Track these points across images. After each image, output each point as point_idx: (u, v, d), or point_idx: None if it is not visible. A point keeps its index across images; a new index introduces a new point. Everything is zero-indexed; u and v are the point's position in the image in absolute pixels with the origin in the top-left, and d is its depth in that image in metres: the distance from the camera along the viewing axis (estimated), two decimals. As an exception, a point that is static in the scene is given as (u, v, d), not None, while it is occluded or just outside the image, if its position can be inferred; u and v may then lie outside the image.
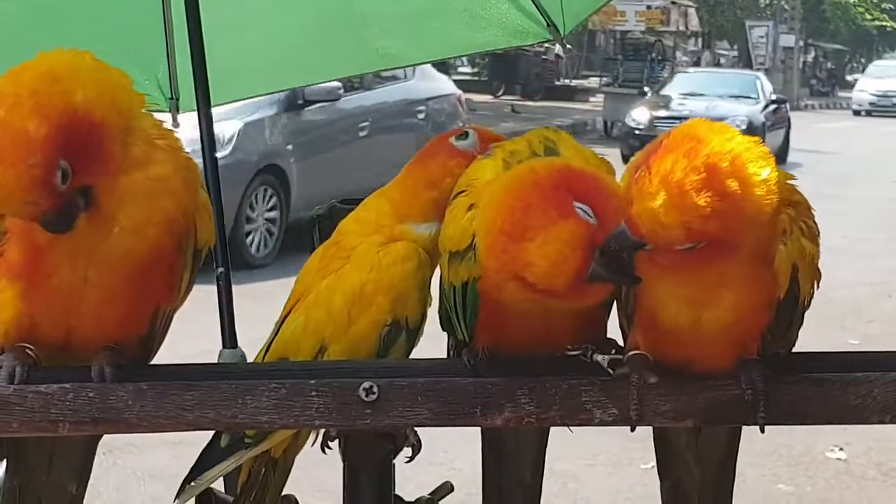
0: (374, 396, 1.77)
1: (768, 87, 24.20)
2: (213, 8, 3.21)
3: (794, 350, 1.89)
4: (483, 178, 1.86)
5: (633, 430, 1.79)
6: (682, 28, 33.93)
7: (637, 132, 19.02)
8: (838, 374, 1.81)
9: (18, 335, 1.82)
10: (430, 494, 2.36)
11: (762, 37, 42.87)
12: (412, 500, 2.30)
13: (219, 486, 2.29)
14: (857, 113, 38.75)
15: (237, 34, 3.41)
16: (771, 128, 22.02)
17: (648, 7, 30.86)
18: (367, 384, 1.77)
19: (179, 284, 1.85)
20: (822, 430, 6.82)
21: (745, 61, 39.07)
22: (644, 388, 1.77)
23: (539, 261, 1.62)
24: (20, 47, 3.28)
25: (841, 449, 6.81)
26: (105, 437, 2.03)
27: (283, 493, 2.25)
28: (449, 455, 5.43)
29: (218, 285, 2.75)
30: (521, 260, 1.63)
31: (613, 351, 1.85)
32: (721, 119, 1.86)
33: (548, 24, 3.35)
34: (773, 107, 23.33)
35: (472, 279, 1.83)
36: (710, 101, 21.41)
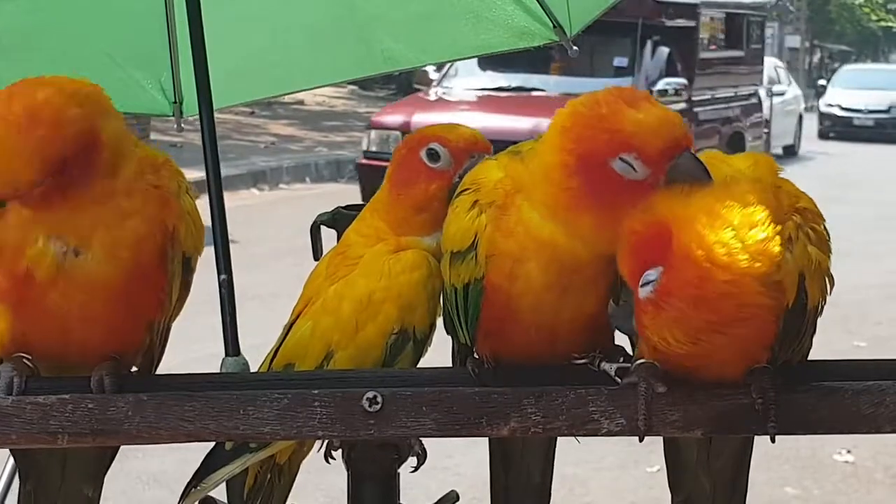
0: (378, 407, 1.74)
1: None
2: (216, 10, 3.19)
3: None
4: (489, 178, 1.83)
5: (641, 440, 1.76)
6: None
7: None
8: (850, 382, 1.78)
9: (14, 346, 1.80)
10: (435, 504, 2.34)
11: (768, 37, 42.86)
12: (417, 509, 2.28)
13: (221, 495, 2.27)
14: (825, 136, 29.67)
15: (241, 36, 3.39)
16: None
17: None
18: (370, 394, 1.74)
19: (169, 295, 1.84)
20: (829, 432, 6.81)
21: (751, 62, 39.09)
22: (652, 398, 1.74)
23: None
24: (27, 51, 3.28)
25: (848, 452, 6.78)
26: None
27: (288, 502, 2.23)
28: (454, 461, 5.41)
29: (220, 292, 2.72)
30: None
31: (621, 359, 1.83)
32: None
33: (554, 26, 3.32)
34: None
35: (474, 280, 1.81)
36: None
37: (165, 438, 1.75)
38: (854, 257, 11.21)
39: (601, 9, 3.43)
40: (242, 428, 1.75)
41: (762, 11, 18.52)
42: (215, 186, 2.87)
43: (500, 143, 1.94)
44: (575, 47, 3.37)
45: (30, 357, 1.80)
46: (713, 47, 16.30)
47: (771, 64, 24.55)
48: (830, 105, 30.90)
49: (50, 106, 1.67)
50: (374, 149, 11.82)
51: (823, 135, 29.69)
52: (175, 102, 3.48)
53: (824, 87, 33.41)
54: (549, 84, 12.89)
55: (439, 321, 2.01)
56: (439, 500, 2.35)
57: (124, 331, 1.82)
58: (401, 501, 2.23)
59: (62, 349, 1.82)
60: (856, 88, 30.88)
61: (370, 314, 1.97)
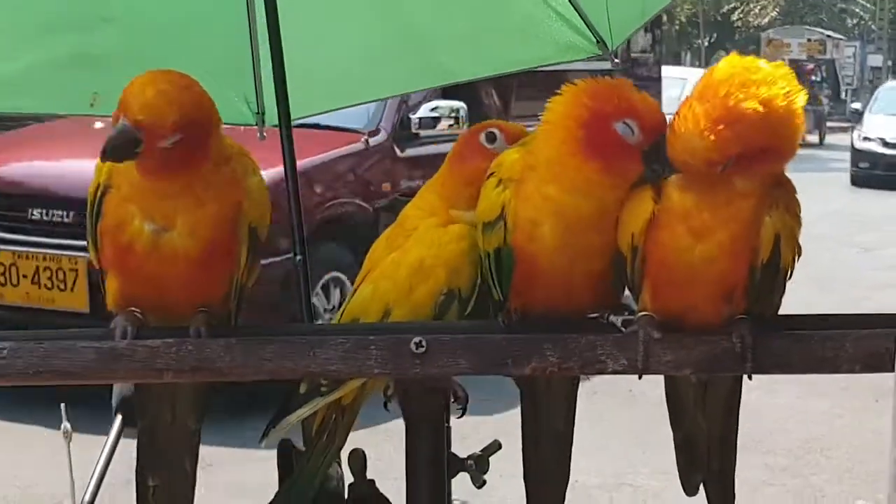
0: (423, 350, 2.12)
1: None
2: (292, 26, 3.55)
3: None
4: (508, 159, 2.21)
5: (640, 377, 2.12)
6: (835, 56, 39.47)
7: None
8: (818, 331, 2.12)
9: (126, 302, 2.22)
10: (480, 452, 2.69)
11: (849, 57, 42.72)
12: (464, 456, 2.64)
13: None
14: (860, 182, 21.34)
15: (314, 50, 3.70)
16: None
17: (809, 40, 38.46)
18: (417, 339, 2.12)
19: (238, 258, 2.23)
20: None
21: (833, 81, 39.15)
22: (650, 343, 2.10)
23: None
24: (130, 68, 3.64)
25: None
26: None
27: (353, 448, 2.60)
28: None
29: (297, 270, 3.10)
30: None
31: (626, 313, 2.18)
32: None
33: (597, 41, 3.65)
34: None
35: (504, 245, 2.18)
36: None
37: (250, 374, 2.14)
38: None
39: (639, 23, 3.76)
40: (312, 366, 2.14)
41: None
42: (293, 185, 3.27)
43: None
44: (616, 60, 3.72)
45: (139, 310, 2.20)
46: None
47: (696, 77, 20.64)
48: (868, 139, 21.98)
49: (195, 82, 2.14)
50: None
51: (858, 181, 21.40)
52: (258, 113, 3.86)
53: (860, 113, 24.74)
54: None
55: None
56: (483, 448, 2.71)
57: (209, 287, 2.22)
58: (453, 451, 2.61)
59: (160, 303, 2.22)
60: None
61: (422, 277, 2.33)
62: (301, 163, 6.38)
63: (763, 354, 2.09)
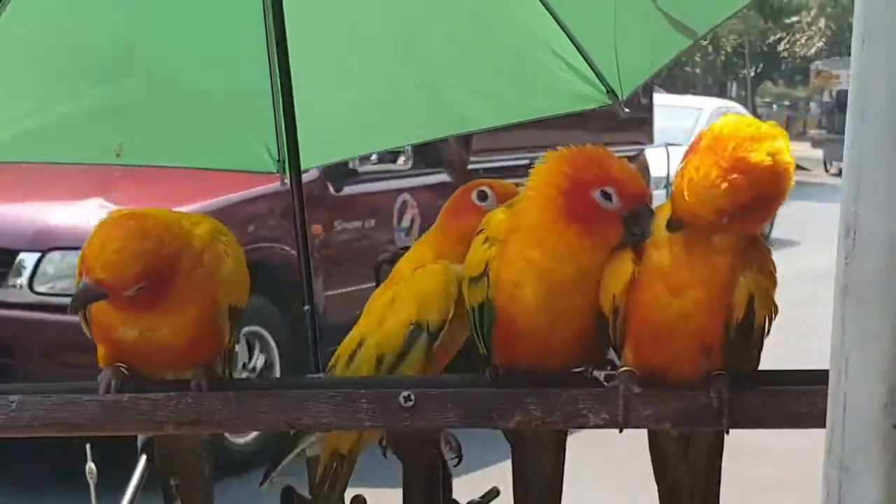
0: (411, 403, 2.20)
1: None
2: (309, 74, 3.65)
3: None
4: (496, 219, 2.31)
5: (620, 431, 2.19)
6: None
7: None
8: (793, 386, 2.18)
9: (113, 360, 2.34)
10: (479, 498, 2.78)
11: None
12: (464, 503, 2.72)
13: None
14: None
15: (331, 98, 3.80)
16: None
17: None
18: (405, 393, 2.21)
19: (222, 336, 2.35)
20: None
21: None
22: (630, 397, 2.17)
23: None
24: (151, 120, 3.77)
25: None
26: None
27: (355, 494, 2.69)
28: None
29: (305, 320, 3.20)
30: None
31: (609, 368, 2.26)
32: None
33: (607, 91, 3.74)
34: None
35: (487, 300, 2.27)
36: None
37: (246, 426, 2.24)
38: None
39: (648, 73, 3.84)
40: (305, 419, 2.23)
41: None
42: (302, 236, 3.38)
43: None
44: (626, 109, 3.80)
45: (124, 365, 2.32)
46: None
47: (712, 107, 19.86)
48: None
49: (157, 223, 2.22)
50: None
51: None
52: (279, 161, 3.96)
53: None
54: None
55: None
56: (482, 495, 2.79)
57: (195, 359, 2.33)
58: (454, 497, 2.69)
59: (149, 368, 2.36)
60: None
61: (394, 309, 2.46)
62: (211, 202, 5.93)
63: (739, 410, 2.16)
